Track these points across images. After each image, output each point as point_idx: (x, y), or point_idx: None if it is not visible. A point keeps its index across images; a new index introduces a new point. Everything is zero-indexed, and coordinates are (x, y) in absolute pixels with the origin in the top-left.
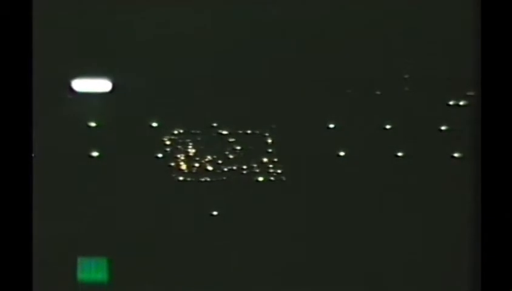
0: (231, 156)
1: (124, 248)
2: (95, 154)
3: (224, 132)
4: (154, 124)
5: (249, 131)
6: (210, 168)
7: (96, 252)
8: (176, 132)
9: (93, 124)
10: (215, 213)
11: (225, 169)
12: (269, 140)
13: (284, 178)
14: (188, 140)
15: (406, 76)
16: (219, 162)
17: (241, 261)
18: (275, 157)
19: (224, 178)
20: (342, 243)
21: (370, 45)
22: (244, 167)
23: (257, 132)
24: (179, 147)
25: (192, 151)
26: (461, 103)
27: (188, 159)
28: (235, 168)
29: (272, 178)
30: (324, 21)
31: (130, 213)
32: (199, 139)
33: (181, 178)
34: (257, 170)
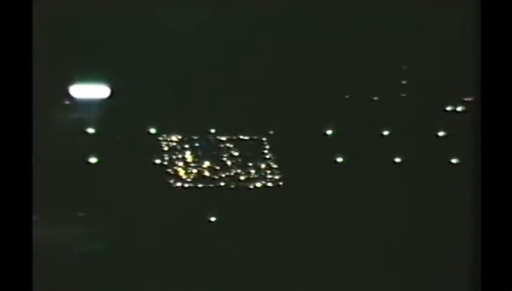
0: (229, 162)
1: (122, 252)
2: (93, 160)
3: (222, 138)
4: (153, 130)
5: (246, 138)
6: (207, 174)
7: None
8: (174, 138)
9: (91, 130)
10: (212, 219)
11: (223, 175)
12: (267, 147)
13: (281, 184)
14: (186, 146)
15: (404, 82)
16: (217, 168)
17: (238, 266)
18: (273, 163)
19: (222, 184)
20: (340, 247)
21: (367, 50)
22: (242, 173)
23: (255, 138)
24: (177, 153)
25: (189, 157)
26: (458, 109)
27: (186, 165)
28: (232, 174)
29: (269, 184)
30: (321, 26)
31: (128, 219)
32: (197, 145)
33: (178, 184)
34: (255, 176)
